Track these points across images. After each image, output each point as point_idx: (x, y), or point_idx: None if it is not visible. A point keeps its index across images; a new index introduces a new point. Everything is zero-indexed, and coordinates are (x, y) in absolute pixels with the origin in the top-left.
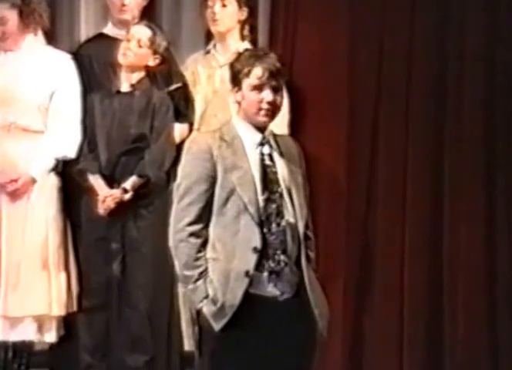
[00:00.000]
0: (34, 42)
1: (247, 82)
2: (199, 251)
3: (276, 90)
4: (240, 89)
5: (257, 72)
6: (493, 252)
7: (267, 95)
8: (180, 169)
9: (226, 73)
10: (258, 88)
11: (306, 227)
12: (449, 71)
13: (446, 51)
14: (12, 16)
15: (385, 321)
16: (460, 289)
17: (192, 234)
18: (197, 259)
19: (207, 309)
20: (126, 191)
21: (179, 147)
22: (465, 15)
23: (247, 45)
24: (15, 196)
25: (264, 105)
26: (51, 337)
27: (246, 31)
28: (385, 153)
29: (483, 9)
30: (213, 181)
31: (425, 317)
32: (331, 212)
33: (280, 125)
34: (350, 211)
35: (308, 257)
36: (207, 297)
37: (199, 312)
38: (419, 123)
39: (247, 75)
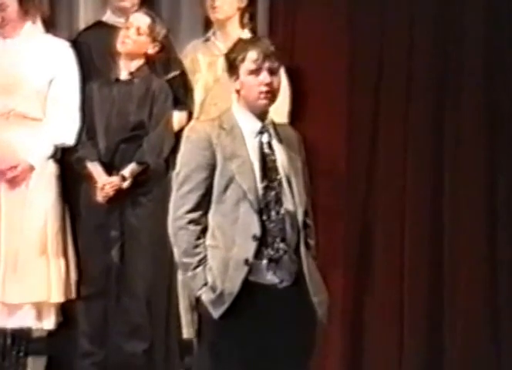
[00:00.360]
0: (32, 30)
1: (244, 68)
2: (198, 238)
3: (273, 72)
4: (238, 76)
5: (252, 56)
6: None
7: (264, 77)
8: (179, 158)
9: None
10: (255, 72)
11: (305, 214)
12: (449, 71)
13: (446, 51)
14: (12, 2)
15: (385, 308)
16: (461, 289)
17: (191, 221)
18: (197, 246)
19: (206, 296)
20: (124, 178)
21: (177, 135)
22: (465, 15)
23: (247, 33)
24: (13, 183)
25: (263, 88)
26: (49, 324)
27: (246, 19)
28: (386, 141)
29: (482, 9)
30: (212, 169)
31: (425, 304)
32: (330, 200)
33: (280, 111)
34: (350, 199)
35: (307, 245)
36: (206, 284)
37: (198, 300)
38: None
39: (243, 60)
